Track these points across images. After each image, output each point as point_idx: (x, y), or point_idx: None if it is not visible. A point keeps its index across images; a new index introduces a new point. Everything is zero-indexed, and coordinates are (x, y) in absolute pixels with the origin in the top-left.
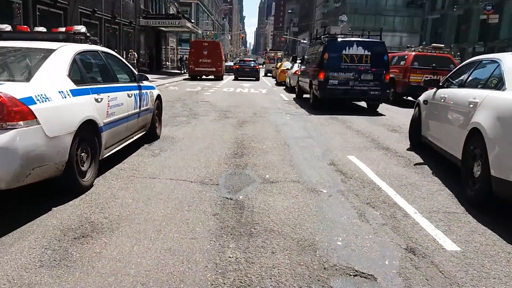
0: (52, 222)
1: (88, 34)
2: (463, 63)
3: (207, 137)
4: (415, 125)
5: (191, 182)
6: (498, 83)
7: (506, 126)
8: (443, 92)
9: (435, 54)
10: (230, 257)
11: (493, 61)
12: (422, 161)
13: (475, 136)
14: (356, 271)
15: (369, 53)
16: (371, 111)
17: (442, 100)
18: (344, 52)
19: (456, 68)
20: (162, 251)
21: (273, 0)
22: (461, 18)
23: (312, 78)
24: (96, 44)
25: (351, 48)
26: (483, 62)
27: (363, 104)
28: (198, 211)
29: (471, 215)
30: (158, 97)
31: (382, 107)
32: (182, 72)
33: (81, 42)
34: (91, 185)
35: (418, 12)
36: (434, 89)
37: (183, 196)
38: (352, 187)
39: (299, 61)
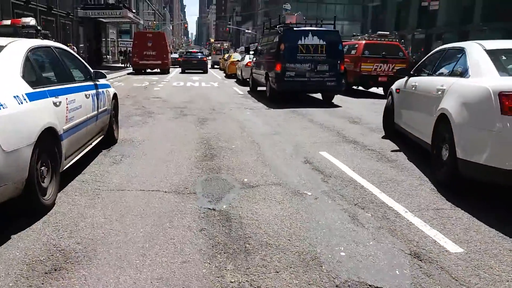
0: (15, 254)
1: (39, 28)
2: (432, 52)
3: (168, 138)
4: (389, 114)
5: (165, 192)
6: (463, 71)
7: (469, 111)
8: (414, 80)
9: (384, 42)
10: (231, 281)
11: (459, 50)
12: (393, 154)
13: (443, 121)
14: (369, 285)
15: (324, 42)
16: (327, 102)
17: (413, 88)
18: (300, 42)
19: (426, 57)
20: (154, 281)
21: None
22: (401, 5)
23: (268, 70)
24: (48, 39)
25: (306, 38)
26: (450, 50)
27: (317, 95)
28: (181, 227)
29: (460, 210)
30: (115, 96)
31: (336, 98)
32: (126, 66)
33: (30, 37)
34: (53, 204)
35: (359, 0)
36: (406, 78)
37: (161, 210)
38: (335, 187)
39: (252, 52)
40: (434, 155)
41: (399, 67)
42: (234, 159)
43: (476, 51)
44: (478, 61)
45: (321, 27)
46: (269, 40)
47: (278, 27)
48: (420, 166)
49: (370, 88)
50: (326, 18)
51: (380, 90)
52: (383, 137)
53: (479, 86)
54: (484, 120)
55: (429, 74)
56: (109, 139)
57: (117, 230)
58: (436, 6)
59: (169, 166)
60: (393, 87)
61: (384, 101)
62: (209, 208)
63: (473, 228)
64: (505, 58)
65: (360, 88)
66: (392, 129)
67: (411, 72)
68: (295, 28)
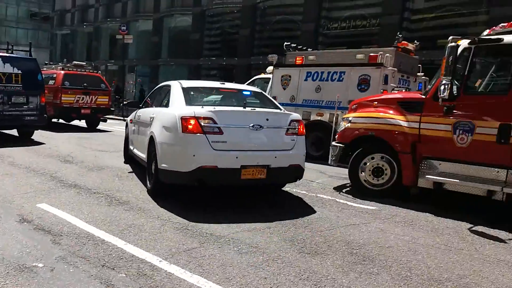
0: None
1: None
2: (155, 88)
3: None
4: (126, 142)
5: None
6: (167, 102)
7: (166, 131)
8: (140, 111)
9: (85, 73)
10: None
11: (168, 87)
12: (122, 194)
13: (152, 141)
14: None
15: (20, 71)
16: (25, 139)
17: (138, 118)
18: None
19: (150, 92)
20: None
21: None
22: (92, 36)
23: None
24: None
25: None
26: (164, 87)
27: (11, 131)
28: None
29: (208, 245)
30: None
31: (36, 134)
32: None
33: None
34: None
35: (44, 26)
36: (136, 110)
37: None
38: (71, 248)
39: None
40: (148, 169)
41: (101, 99)
42: None
43: (176, 88)
44: (175, 95)
45: (12, 53)
46: None
47: None
48: (153, 203)
49: (73, 121)
50: (5, 42)
51: (83, 123)
52: (124, 162)
53: (170, 113)
54: (173, 137)
55: (150, 106)
56: None
57: None
58: (130, 40)
59: None
60: (128, 118)
61: (88, 134)
62: None
63: (227, 262)
64: (193, 93)
65: (61, 121)
66: (129, 156)
67: (140, 105)
68: None
